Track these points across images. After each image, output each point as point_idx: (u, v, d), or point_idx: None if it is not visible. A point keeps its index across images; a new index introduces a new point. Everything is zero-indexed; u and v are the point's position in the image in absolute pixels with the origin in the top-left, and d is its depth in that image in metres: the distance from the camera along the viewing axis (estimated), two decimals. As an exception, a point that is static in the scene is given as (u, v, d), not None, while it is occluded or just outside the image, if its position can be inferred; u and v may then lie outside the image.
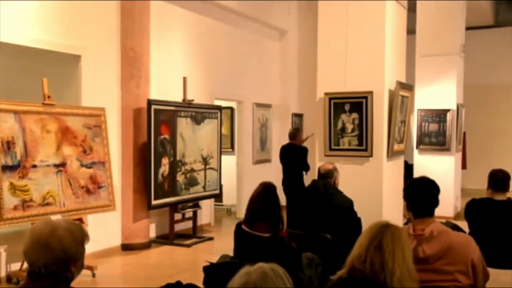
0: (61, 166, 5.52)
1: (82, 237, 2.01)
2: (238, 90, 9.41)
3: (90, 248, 5.95)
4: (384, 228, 2.17)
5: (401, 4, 6.15)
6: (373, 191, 5.68)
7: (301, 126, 10.89)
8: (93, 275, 5.66)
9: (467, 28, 10.15)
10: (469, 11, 10.17)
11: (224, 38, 9.01)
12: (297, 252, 3.65)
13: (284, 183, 7.59)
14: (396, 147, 6.00)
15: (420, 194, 2.92)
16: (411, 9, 8.02)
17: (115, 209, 6.27)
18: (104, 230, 6.53)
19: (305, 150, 7.68)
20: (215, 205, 9.15)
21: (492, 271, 3.47)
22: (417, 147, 9.69)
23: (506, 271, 4.57)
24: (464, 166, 10.85)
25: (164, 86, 7.54)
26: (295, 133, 7.90)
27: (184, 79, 7.51)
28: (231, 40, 9.19)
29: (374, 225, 2.22)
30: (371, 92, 5.61)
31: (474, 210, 4.51)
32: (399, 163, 6.37)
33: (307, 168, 7.55)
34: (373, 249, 2.10)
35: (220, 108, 8.30)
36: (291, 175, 7.63)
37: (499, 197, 4.42)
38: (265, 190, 3.58)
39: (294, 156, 7.63)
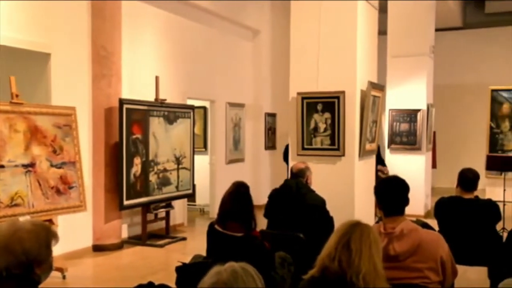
0: (30, 167, 5.41)
1: (47, 238, 1.97)
2: (211, 90, 9.38)
3: (60, 249, 5.89)
4: (353, 227, 2.19)
5: (372, 5, 6.21)
6: (345, 190, 5.72)
7: (274, 125, 10.95)
8: (64, 277, 5.57)
9: (437, 30, 10.33)
10: (438, 13, 10.36)
11: (197, 38, 8.97)
12: (270, 251, 3.66)
13: None
14: (368, 146, 6.06)
15: (391, 193, 2.96)
16: (382, 10, 8.12)
17: (86, 210, 6.18)
18: (75, 231, 6.44)
19: None
20: (188, 205, 9.11)
21: (460, 267, 3.54)
22: (388, 147, 9.81)
23: (474, 267, 4.68)
24: (434, 165, 11.03)
25: (136, 85, 7.47)
26: None
27: (157, 78, 7.45)
28: (204, 39, 9.16)
29: (344, 224, 2.24)
30: (343, 92, 5.65)
31: (443, 208, 4.59)
32: (370, 163, 6.43)
33: None
34: (342, 248, 2.12)
35: (193, 107, 8.26)
36: None
37: (467, 195, 4.51)
38: (237, 190, 3.58)
39: None
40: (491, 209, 4.52)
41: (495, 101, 11.80)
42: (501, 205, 5.78)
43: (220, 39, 9.66)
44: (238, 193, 3.56)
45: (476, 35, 12.97)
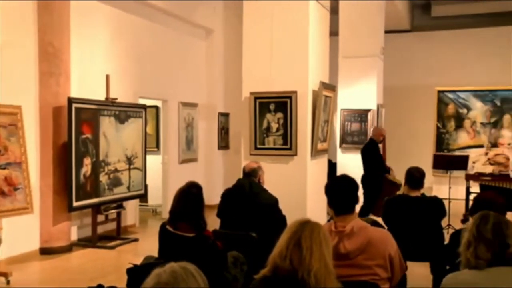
0: (-27, 167, 5.20)
1: None
2: (164, 89, 9.28)
3: (4, 253, 5.69)
4: (304, 225, 2.21)
5: (324, 6, 6.30)
6: (298, 189, 5.77)
7: (227, 125, 10.94)
8: (7, 282, 5.38)
9: (386, 32, 10.58)
10: (387, 16, 10.61)
11: (149, 36, 8.85)
12: (222, 251, 3.65)
13: None
14: (320, 146, 6.14)
15: (340, 192, 3.00)
16: (334, 11, 8.24)
17: (33, 212, 5.99)
18: (20, 234, 6.23)
19: None
20: (140, 205, 8.99)
21: (408, 263, 3.64)
22: (340, 146, 9.97)
23: (421, 263, 4.81)
24: (384, 164, 11.26)
25: (86, 84, 7.30)
26: None
27: (107, 77, 7.31)
28: (156, 38, 9.05)
29: (294, 223, 2.25)
30: (295, 92, 5.70)
31: (391, 206, 4.70)
32: (322, 162, 6.52)
33: None
34: (292, 246, 2.13)
35: (144, 107, 8.15)
36: None
37: (414, 193, 4.64)
38: (188, 190, 3.55)
39: None
40: (437, 206, 4.66)
41: (441, 101, 12.21)
42: (446, 202, 5.98)
43: (173, 38, 9.57)
44: (189, 194, 3.53)
45: (423, 38, 13.36)
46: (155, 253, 3.76)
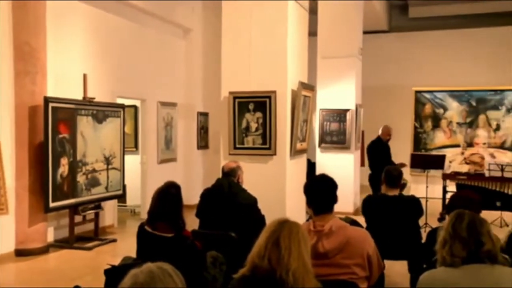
0: None
1: None
2: (142, 88, 9.21)
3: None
4: (282, 225, 2.21)
5: (303, 6, 6.32)
6: (277, 189, 5.78)
7: (206, 125, 10.91)
8: (-17, 284, 5.30)
9: (364, 32, 10.65)
10: (366, 16, 10.69)
11: (127, 35, 8.78)
12: (201, 251, 3.64)
13: None
14: (299, 145, 6.16)
15: (319, 191, 3.02)
16: (313, 11, 8.27)
17: (8, 213, 5.90)
18: (-4, 236, 6.14)
19: None
20: (119, 205, 8.91)
21: (386, 262, 3.68)
22: (319, 146, 10.01)
23: (399, 262, 4.87)
24: (362, 163, 11.35)
25: (63, 83, 7.21)
26: None
27: (84, 76, 7.23)
28: (134, 37, 8.98)
29: (272, 222, 2.26)
30: (274, 92, 5.71)
31: (370, 205, 4.75)
32: (301, 161, 6.54)
33: None
34: (271, 246, 2.13)
35: (123, 106, 8.08)
36: None
37: (392, 192, 4.69)
38: (166, 190, 3.53)
39: None
40: (414, 205, 4.71)
41: (419, 101, 12.36)
42: (424, 201, 6.05)
43: (151, 37, 9.51)
44: (167, 194, 3.51)
45: (401, 38, 13.51)
46: (133, 253, 3.74)
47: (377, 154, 8.13)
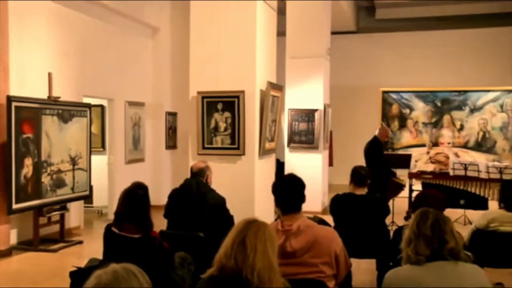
0: None
1: None
2: (109, 88, 9.09)
3: None
4: (249, 224, 2.22)
5: (271, 6, 6.34)
6: (246, 188, 5.79)
7: (175, 124, 10.84)
8: None
9: (332, 33, 10.75)
10: (334, 17, 10.78)
11: (94, 34, 8.65)
12: (169, 252, 3.61)
13: None
14: (268, 145, 6.18)
15: (287, 191, 3.03)
16: (281, 12, 8.31)
17: (-30, 215, 5.74)
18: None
19: None
20: (85, 207, 8.76)
21: (354, 260, 3.72)
22: (288, 146, 10.06)
23: (367, 260, 4.93)
24: (331, 163, 11.46)
25: (27, 82, 7.04)
26: None
27: (49, 74, 7.09)
28: (101, 36, 8.85)
29: (240, 222, 2.26)
30: (243, 92, 5.71)
31: (338, 204, 4.79)
32: (270, 161, 6.56)
33: None
34: (237, 245, 2.14)
35: (89, 106, 7.95)
36: None
37: (360, 191, 4.74)
38: (133, 191, 3.50)
39: None
40: (381, 204, 4.78)
41: (386, 102, 12.56)
42: (390, 200, 6.15)
43: (119, 36, 9.39)
44: (134, 194, 3.48)
45: (369, 39, 13.68)
46: (100, 255, 3.68)
47: (374, 154, 8.10)
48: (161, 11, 10.45)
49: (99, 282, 1.53)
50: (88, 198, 8.38)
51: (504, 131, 11.84)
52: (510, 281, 4.96)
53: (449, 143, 12.18)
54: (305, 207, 3.06)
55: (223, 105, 5.79)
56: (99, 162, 9.16)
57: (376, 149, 8.16)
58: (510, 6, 12.56)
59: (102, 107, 9.73)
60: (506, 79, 12.17)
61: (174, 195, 4.70)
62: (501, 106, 11.81)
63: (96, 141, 9.53)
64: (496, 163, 9.10)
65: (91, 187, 8.01)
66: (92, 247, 6.77)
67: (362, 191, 4.74)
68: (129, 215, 3.41)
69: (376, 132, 8.58)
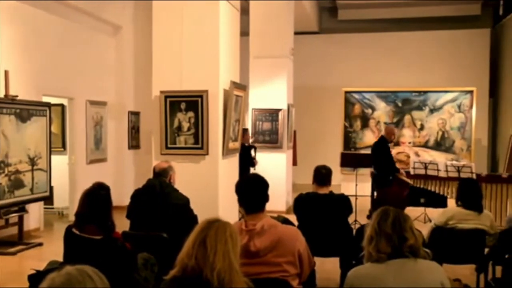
0: None
1: None
2: (70, 86, 8.91)
3: None
4: (211, 224, 2.21)
5: (234, 6, 6.33)
6: (209, 188, 5.77)
7: (137, 124, 10.71)
8: None
9: (296, 33, 10.82)
10: (297, 18, 10.86)
11: (54, 32, 8.45)
12: (131, 253, 3.56)
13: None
14: (231, 145, 6.17)
15: (250, 190, 3.03)
16: (245, 11, 8.31)
17: None
18: None
19: (249, 148, 8.69)
20: (45, 208, 8.57)
21: (318, 259, 3.75)
22: (251, 145, 10.07)
23: (330, 259, 4.98)
24: (294, 162, 11.53)
25: (-17, 80, 6.85)
26: (242, 133, 8.69)
27: (6, 72, 6.89)
28: (62, 33, 8.66)
29: (202, 222, 2.25)
30: (206, 91, 5.69)
31: (301, 204, 4.82)
32: (234, 161, 6.55)
33: (251, 164, 8.66)
34: (198, 245, 2.13)
35: (49, 105, 7.77)
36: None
37: (323, 191, 4.78)
38: (94, 191, 3.44)
39: (241, 154, 8.37)
40: (344, 203, 4.83)
41: (348, 102, 12.72)
42: (353, 199, 6.22)
43: (80, 34, 9.21)
44: (95, 195, 3.42)
45: (331, 40, 13.83)
46: (60, 257, 3.60)
47: (381, 154, 8.12)
48: (124, 10, 10.31)
49: (52, 284, 1.50)
50: (48, 199, 8.19)
51: (461, 130, 12.16)
52: (467, 277, 5.10)
53: (410, 143, 12.43)
54: (269, 206, 3.07)
55: (186, 105, 5.76)
56: (59, 162, 8.97)
57: (383, 148, 8.18)
58: (467, 9, 12.94)
59: (62, 106, 9.53)
60: (464, 80, 12.52)
61: (137, 195, 4.64)
62: (459, 107, 12.12)
63: (57, 141, 9.34)
64: (454, 162, 9.35)
65: (51, 188, 7.84)
66: (52, 250, 6.63)
67: (325, 190, 4.77)
68: (90, 216, 3.35)
69: (383, 132, 8.59)
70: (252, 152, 8.97)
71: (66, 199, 9.19)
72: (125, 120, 10.41)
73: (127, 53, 10.47)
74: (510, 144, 9.93)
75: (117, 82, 10.39)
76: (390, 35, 13.47)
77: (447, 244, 4.50)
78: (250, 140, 9.46)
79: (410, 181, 8.30)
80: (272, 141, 9.91)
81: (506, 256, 3.82)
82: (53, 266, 3.47)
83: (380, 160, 8.14)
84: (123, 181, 10.01)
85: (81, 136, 9.28)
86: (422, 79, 12.88)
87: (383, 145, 8.21)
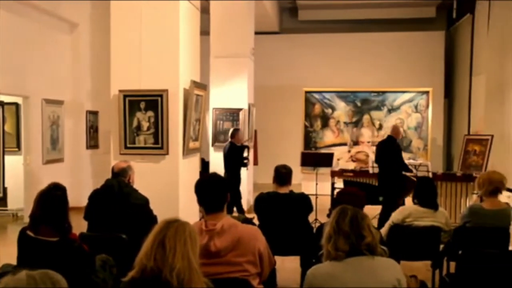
0: None
1: None
2: (24, 85, 8.66)
3: None
4: (169, 224, 2.19)
5: (194, 5, 6.30)
6: (169, 188, 5.72)
7: (96, 123, 10.52)
8: None
9: (256, 33, 10.85)
10: (257, 18, 10.89)
11: (7, 28, 8.19)
12: (89, 254, 3.50)
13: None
14: (192, 144, 6.13)
15: (210, 190, 3.02)
16: (205, 11, 8.28)
17: None
18: None
19: (241, 148, 8.68)
20: (-1, 210, 8.34)
21: (278, 258, 3.77)
22: (212, 145, 10.04)
23: (291, 258, 5.01)
24: (255, 162, 11.57)
25: None
26: (233, 133, 8.71)
27: (-42, 70, 6.67)
28: (15, 30, 8.41)
29: (161, 222, 2.23)
30: (166, 91, 5.64)
31: (262, 203, 4.83)
32: (194, 161, 6.52)
33: (243, 164, 8.72)
34: (157, 246, 2.11)
35: (1, 103, 7.55)
36: (230, 170, 8.52)
37: (283, 190, 4.81)
38: (50, 192, 3.35)
39: (232, 153, 8.52)
40: (304, 202, 4.87)
41: (309, 101, 12.83)
42: (314, 198, 6.28)
43: (34, 31, 8.97)
44: (51, 196, 3.33)
45: (292, 40, 13.92)
46: (14, 261, 3.50)
47: (390, 153, 8.00)
48: (80, 7, 10.09)
49: None
50: (1, 201, 7.96)
51: (418, 130, 12.45)
52: (424, 273, 5.22)
53: (368, 142, 12.63)
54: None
55: (146, 104, 5.69)
56: (14, 162, 8.74)
57: (394, 147, 8.09)
58: (423, 12, 13.27)
59: (16, 105, 9.27)
60: (420, 81, 12.83)
61: (95, 196, 4.55)
62: (416, 107, 12.41)
63: (10, 140, 9.09)
64: (411, 161, 9.57)
65: (4, 189, 7.62)
66: (6, 253, 6.41)
67: (286, 190, 4.80)
68: (45, 217, 3.26)
69: (390, 131, 8.45)
70: (245, 152, 8.93)
71: (21, 200, 8.94)
72: (83, 119, 10.21)
73: (84, 51, 10.26)
74: (464, 144, 10.22)
75: (74, 80, 10.17)
76: (349, 36, 13.66)
77: (404, 241, 4.60)
78: (247, 140, 9.50)
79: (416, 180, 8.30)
80: (233, 140, 9.89)
81: (460, 252, 3.93)
82: (6, 270, 3.37)
83: (389, 160, 8.02)
84: (81, 181, 9.80)
85: (37, 136, 9.04)
86: (380, 79, 13.12)
87: (393, 144, 8.13)
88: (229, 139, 8.71)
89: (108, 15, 5.96)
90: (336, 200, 3.88)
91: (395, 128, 8.52)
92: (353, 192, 3.93)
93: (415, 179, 8.13)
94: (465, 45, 12.31)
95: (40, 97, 9.07)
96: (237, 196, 8.59)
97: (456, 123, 13.09)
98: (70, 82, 10.11)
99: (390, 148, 8.08)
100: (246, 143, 9.20)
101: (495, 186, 4.52)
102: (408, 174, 8.27)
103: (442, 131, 13.36)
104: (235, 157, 8.57)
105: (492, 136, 9.60)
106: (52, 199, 3.32)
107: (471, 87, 11.88)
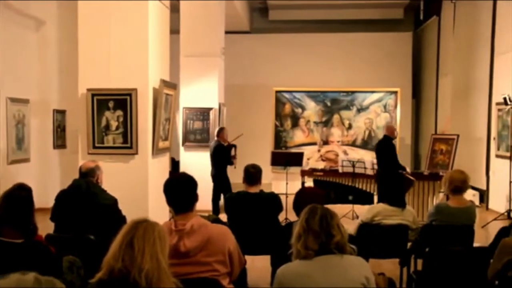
0: None
1: None
2: (-12, 83, 8.45)
3: None
4: (137, 225, 2.17)
5: (164, 4, 6.25)
6: (139, 188, 5.67)
7: (63, 123, 10.34)
8: None
9: (227, 32, 10.84)
10: (228, 17, 10.88)
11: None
12: (56, 256, 3.43)
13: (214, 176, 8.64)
14: (161, 144, 6.09)
15: (179, 190, 3.00)
16: (175, 9, 8.22)
17: None
18: None
19: (227, 147, 8.77)
20: (-38, 212, 8.08)
21: (249, 258, 3.77)
22: (183, 144, 9.99)
23: (261, 257, 5.02)
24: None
25: None
26: (219, 131, 8.87)
27: None
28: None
29: (129, 223, 2.21)
30: (135, 90, 5.58)
31: (231, 203, 4.84)
32: (164, 160, 6.47)
33: (229, 163, 8.74)
34: (125, 247, 2.09)
35: (-34, 102, 7.35)
36: (216, 169, 8.65)
37: (253, 189, 4.82)
38: (14, 193, 3.28)
39: (219, 152, 8.58)
40: (274, 201, 4.89)
41: (279, 101, 12.87)
42: (284, 197, 6.30)
43: (-1, 28, 8.76)
44: (14, 196, 3.26)
45: (262, 39, 13.96)
46: (-23, 264, 3.41)
47: (387, 152, 8.09)
48: (47, 3, 9.89)
49: None
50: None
51: (387, 130, 12.62)
52: (392, 270, 5.29)
53: (338, 141, 12.75)
54: (200, 206, 3.05)
55: (114, 103, 5.62)
56: (-23, 163, 8.51)
57: (389, 146, 8.17)
58: (391, 13, 13.48)
59: (-20, 104, 9.04)
60: (389, 81, 13.01)
61: (62, 196, 4.48)
62: (385, 107, 12.57)
63: (-26, 140, 8.85)
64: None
65: (-32, 191, 7.41)
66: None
67: (255, 189, 4.81)
68: (9, 218, 3.18)
69: (385, 131, 8.56)
70: (233, 150, 8.94)
71: (-15, 201, 8.71)
72: (49, 118, 10.01)
73: (51, 49, 10.07)
74: (431, 143, 10.42)
75: (40, 79, 9.96)
76: (319, 36, 13.77)
77: (373, 240, 4.66)
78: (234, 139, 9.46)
79: (413, 179, 8.39)
80: (203, 140, 9.88)
81: (427, 249, 4.00)
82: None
83: (385, 159, 8.11)
84: (48, 181, 9.61)
85: (1, 136, 8.83)
86: (349, 79, 13.26)
87: (389, 143, 8.23)
88: (215, 138, 8.81)
89: (75, 13, 5.87)
90: (296, 200, 3.91)
91: (389, 127, 8.66)
92: (312, 191, 3.96)
93: (412, 178, 8.29)
94: (432, 46, 12.56)
95: (4, 96, 8.85)
96: (220, 194, 8.58)
97: (424, 123, 13.33)
98: (37, 81, 9.91)
99: (388, 148, 8.22)
100: (233, 142, 9.19)
101: (456, 185, 4.61)
102: (408, 175, 8.38)
103: (410, 130, 13.59)
104: (222, 156, 8.57)
105: (458, 135, 9.81)
106: (16, 200, 3.25)
107: (438, 87, 12.13)
